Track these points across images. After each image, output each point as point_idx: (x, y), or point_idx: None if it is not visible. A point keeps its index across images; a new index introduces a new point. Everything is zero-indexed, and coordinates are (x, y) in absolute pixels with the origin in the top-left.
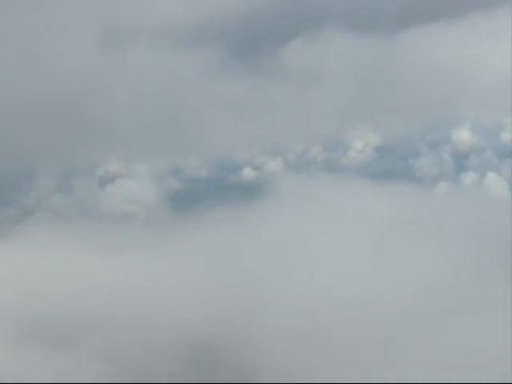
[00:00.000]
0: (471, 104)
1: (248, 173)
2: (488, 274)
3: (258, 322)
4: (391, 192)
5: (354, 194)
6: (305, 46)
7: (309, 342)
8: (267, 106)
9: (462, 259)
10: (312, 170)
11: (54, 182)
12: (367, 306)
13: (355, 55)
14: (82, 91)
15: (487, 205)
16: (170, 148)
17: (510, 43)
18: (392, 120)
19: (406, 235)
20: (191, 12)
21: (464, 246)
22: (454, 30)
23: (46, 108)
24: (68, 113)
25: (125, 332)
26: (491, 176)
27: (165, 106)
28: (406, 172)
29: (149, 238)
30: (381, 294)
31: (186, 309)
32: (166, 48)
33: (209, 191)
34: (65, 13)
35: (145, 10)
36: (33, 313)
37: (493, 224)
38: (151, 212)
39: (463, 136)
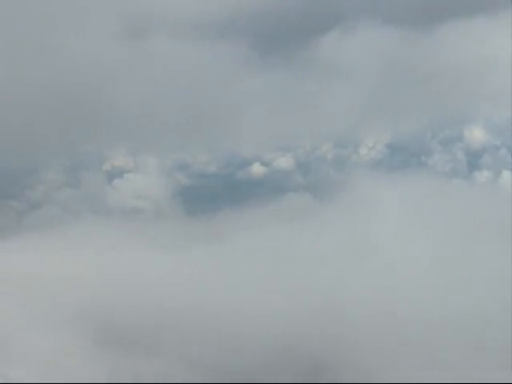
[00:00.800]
0: (484, 102)
1: (257, 169)
2: (497, 271)
3: (345, 322)
4: (403, 189)
5: (366, 191)
6: (339, 38)
7: (395, 342)
8: (286, 102)
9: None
10: (322, 166)
11: (60, 175)
12: (449, 306)
13: (388, 50)
14: (94, 83)
15: (502, 202)
16: (178, 142)
17: None
18: (404, 117)
19: (429, 234)
20: (220, 2)
21: (486, 243)
22: (487, 26)
23: (55, 101)
24: (76, 105)
25: (198, 331)
26: (506, 174)
27: (177, 100)
28: (418, 169)
29: (169, 234)
30: (456, 294)
31: (257, 308)
32: (189, 40)
33: (217, 187)
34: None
35: None
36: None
37: (508, 222)
38: (160, 207)
39: (476, 134)
